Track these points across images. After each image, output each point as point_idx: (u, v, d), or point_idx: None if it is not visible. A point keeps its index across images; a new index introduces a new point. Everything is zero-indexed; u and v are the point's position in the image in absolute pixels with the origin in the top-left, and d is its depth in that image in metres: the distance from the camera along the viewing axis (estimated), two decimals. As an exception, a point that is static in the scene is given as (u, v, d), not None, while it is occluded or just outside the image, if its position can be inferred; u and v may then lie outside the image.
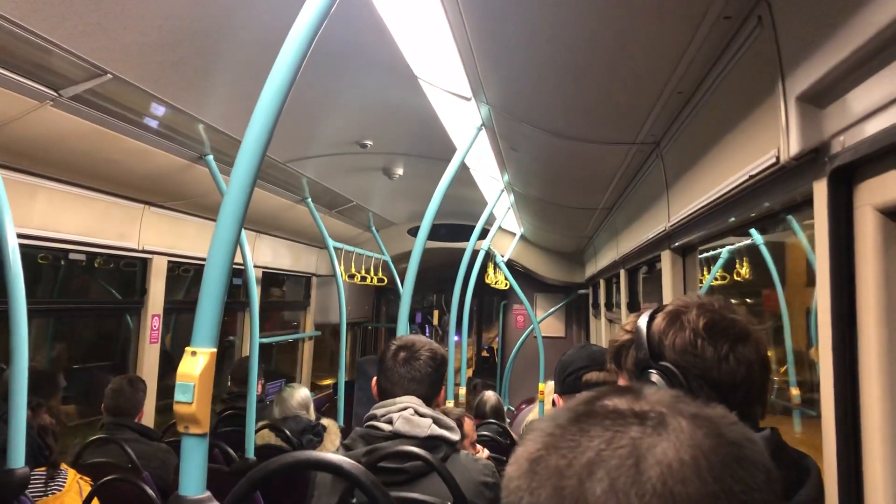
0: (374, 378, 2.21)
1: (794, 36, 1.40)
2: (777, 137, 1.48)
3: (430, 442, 2.02)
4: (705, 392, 1.18)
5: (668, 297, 2.91)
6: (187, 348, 1.59)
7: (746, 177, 1.68)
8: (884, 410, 1.18)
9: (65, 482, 3.02)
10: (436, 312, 11.64)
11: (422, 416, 2.05)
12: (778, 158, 1.49)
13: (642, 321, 1.28)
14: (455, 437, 2.10)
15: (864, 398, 1.23)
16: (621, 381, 1.38)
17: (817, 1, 1.30)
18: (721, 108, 1.97)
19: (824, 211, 1.33)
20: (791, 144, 1.43)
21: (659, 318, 1.27)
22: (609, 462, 0.56)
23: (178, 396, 1.54)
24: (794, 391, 4.27)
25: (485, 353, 11.62)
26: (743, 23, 1.62)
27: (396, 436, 2.01)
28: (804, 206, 1.51)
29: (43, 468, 2.97)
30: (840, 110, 1.30)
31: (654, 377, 1.20)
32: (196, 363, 1.56)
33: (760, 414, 1.26)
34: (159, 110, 3.16)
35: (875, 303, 1.20)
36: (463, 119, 3.44)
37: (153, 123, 3.32)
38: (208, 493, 1.55)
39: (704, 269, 4.75)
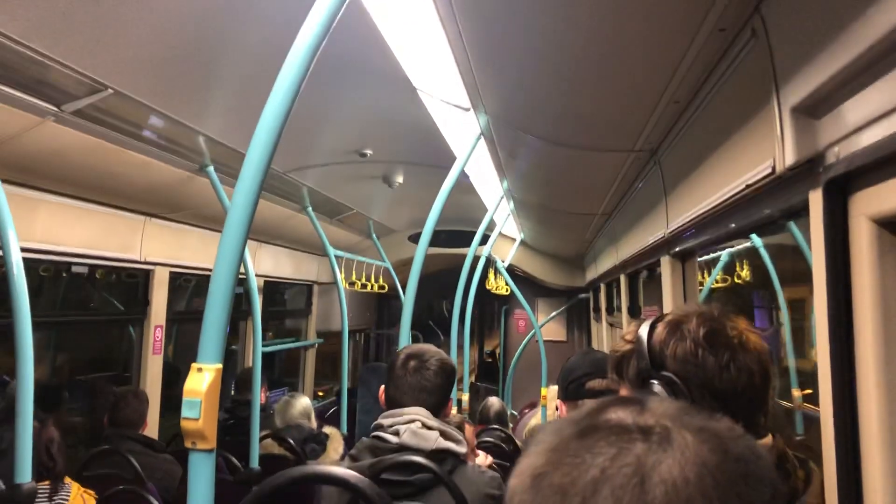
0: (382, 386, 2.21)
1: (788, 48, 1.42)
2: (773, 148, 1.50)
3: (437, 455, 2.01)
4: (707, 401, 1.19)
5: (667, 302, 2.93)
6: (193, 364, 1.60)
7: (743, 186, 1.70)
8: (881, 416, 1.19)
9: (68, 496, 3.02)
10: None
11: (429, 428, 2.05)
12: (774, 168, 1.50)
13: (643, 331, 1.29)
14: (462, 449, 2.09)
15: (861, 404, 1.25)
16: (623, 391, 1.39)
17: (811, 14, 1.31)
18: (717, 118, 1.99)
19: (820, 221, 1.34)
20: (787, 155, 1.44)
21: (660, 328, 1.28)
22: (614, 480, 0.55)
23: (185, 412, 1.56)
24: (796, 392, 4.28)
25: (487, 359, 11.62)
26: (737, 35, 1.64)
27: (403, 448, 2.01)
28: (798, 216, 1.52)
29: (47, 482, 2.98)
30: (835, 121, 1.32)
31: (657, 387, 1.21)
32: (202, 379, 1.57)
33: (763, 422, 1.27)
34: (160, 123, 3.18)
35: (871, 311, 1.21)
36: (462, 128, 3.45)
37: (154, 136, 3.34)
38: (216, 509, 1.57)
39: (704, 271, 4.77)
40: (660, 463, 0.56)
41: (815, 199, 1.38)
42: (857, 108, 1.25)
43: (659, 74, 2.02)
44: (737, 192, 1.78)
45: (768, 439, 1.30)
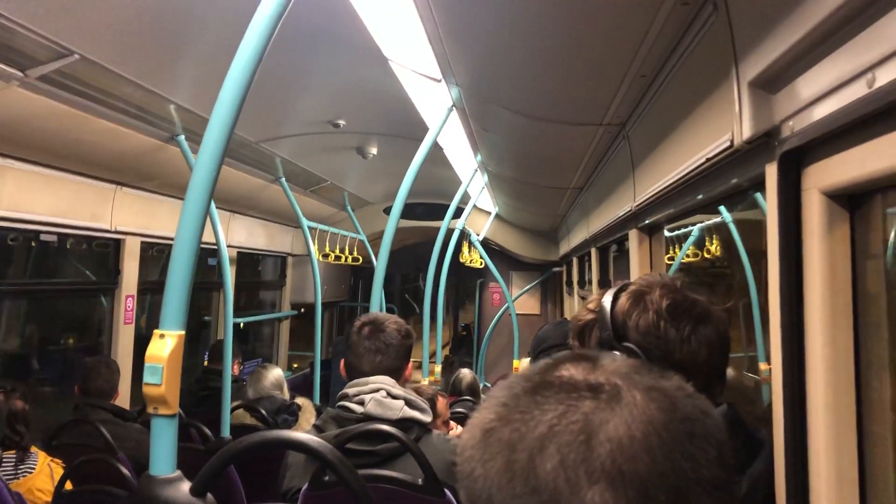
0: (342, 360, 2.22)
1: (747, 22, 1.43)
2: (731, 121, 1.52)
3: (402, 424, 2.02)
4: None
5: (635, 274, 2.97)
6: (156, 331, 1.61)
7: (704, 159, 1.72)
8: (826, 382, 1.23)
9: (35, 465, 3.02)
10: None
11: (394, 398, 2.06)
12: (732, 142, 1.53)
13: (606, 301, 1.30)
14: (427, 418, 2.11)
15: (809, 369, 1.28)
16: None
17: (768, -12, 1.33)
18: (681, 92, 2.00)
19: (774, 193, 1.37)
20: (744, 128, 1.46)
21: (623, 299, 1.28)
22: (560, 437, 0.55)
23: (147, 378, 1.57)
24: (763, 366, 4.35)
25: (462, 332, 11.68)
26: (700, 8, 1.65)
27: (368, 418, 2.02)
28: (757, 189, 1.55)
29: (13, 451, 2.97)
30: (789, 95, 1.34)
31: None
32: (164, 345, 1.58)
33: (720, 391, 1.30)
34: (128, 90, 3.14)
35: (819, 281, 1.25)
36: (434, 100, 3.45)
37: (123, 104, 3.30)
38: (179, 473, 1.58)
39: (676, 246, 4.82)
40: (607, 421, 0.56)
41: (771, 173, 1.40)
42: (810, 83, 1.27)
43: (625, 48, 2.03)
44: (698, 166, 1.81)
45: (723, 408, 1.33)
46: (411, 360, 2.26)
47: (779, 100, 1.39)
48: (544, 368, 0.65)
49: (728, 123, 1.55)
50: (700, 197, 2.04)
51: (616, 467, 0.54)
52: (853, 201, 1.24)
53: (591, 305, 1.39)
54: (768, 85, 1.40)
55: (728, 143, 1.54)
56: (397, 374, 2.15)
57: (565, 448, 0.55)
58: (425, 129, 3.64)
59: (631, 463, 0.54)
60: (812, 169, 1.30)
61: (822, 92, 1.21)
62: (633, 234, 3.01)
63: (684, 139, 1.99)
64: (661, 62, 2.05)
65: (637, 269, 2.94)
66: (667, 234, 3.09)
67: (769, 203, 1.41)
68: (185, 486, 1.48)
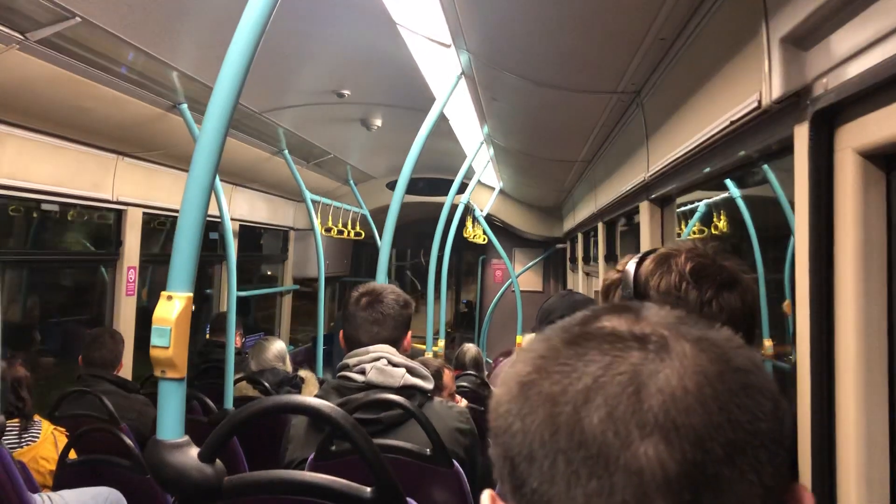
0: (341, 331, 2.19)
1: (780, -25, 1.38)
2: (759, 81, 1.47)
3: (404, 392, 2.01)
4: None
5: (645, 247, 2.92)
6: (163, 293, 1.57)
7: (728, 122, 1.67)
8: (858, 351, 1.19)
9: (39, 433, 3.01)
10: None
11: (395, 366, 2.04)
12: (760, 102, 1.48)
13: (633, 262, 1.29)
14: (428, 385, 2.09)
15: (838, 339, 1.24)
16: None
17: (803, -60, 1.27)
18: (704, 54, 1.95)
19: (805, 155, 1.32)
20: (773, 88, 1.41)
21: (648, 260, 1.27)
22: (607, 389, 0.52)
23: (154, 341, 1.53)
24: (767, 342, 4.34)
25: (464, 309, 11.68)
26: (728, -37, 1.60)
27: (369, 387, 2.00)
28: (780, 154, 1.50)
29: (17, 420, 2.95)
30: (823, 52, 1.29)
31: None
32: (172, 307, 1.54)
33: None
34: (131, 56, 3.07)
35: (852, 244, 1.20)
36: (443, 67, 3.39)
37: (125, 70, 3.23)
38: (187, 438, 1.55)
39: (682, 222, 4.77)
40: (657, 372, 0.53)
41: (801, 133, 1.35)
42: (846, 38, 1.22)
43: (645, 10, 1.97)
44: (721, 130, 1.76)
45: None
46: (410, 332, 2.23)
47: (812, 56, 1.33)
48: (583, 320, 0.61)
49: (756, 83, 1.49)
50: (718, 165, 1.99)
51: (670, 420, 0.51)
52: (890, 161, 1.19)
53: (619, 266, 1.38)
54: (801, 41, 1.35)
55: (755, 104, 1.49)
56: (396, 344, 2.13)
57: (613, 400, 0.52)
58: (431, 100, 3.58)
59: (685, 415, 0.51)
60: (846, 128, 1.25)
61: (860, 47, 1.16)
62: (644, 207, 2.96)
63: (706, 103, 1.94)
64: (684, 22, 1.98)
65: (648, 243, 2.90)
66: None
67: (798, 166, 1.37)
68: (194, 451, 1.45)
